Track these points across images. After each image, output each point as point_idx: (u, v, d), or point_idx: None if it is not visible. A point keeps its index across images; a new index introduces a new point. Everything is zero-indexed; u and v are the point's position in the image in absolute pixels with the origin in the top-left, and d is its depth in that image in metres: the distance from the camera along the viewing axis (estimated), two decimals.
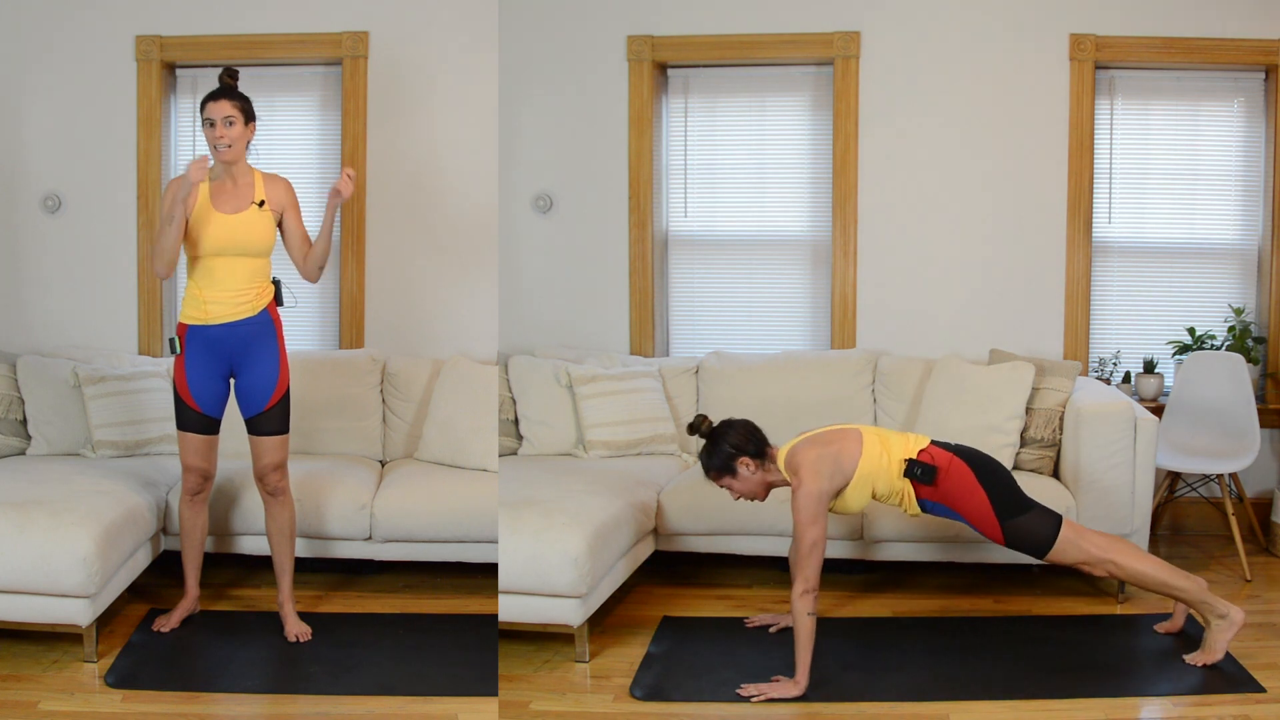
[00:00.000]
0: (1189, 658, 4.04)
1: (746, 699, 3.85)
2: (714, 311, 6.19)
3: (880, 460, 4.06)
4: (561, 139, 6.09)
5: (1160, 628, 4.37)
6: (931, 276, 5.89)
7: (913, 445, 4.10)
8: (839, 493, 4.06)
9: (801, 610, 3.85)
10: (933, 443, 4.13)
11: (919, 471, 4.02)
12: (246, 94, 4.27)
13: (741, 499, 4.23)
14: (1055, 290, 5.83)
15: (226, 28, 5.72)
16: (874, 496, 4.14)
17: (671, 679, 4.06)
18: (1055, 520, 4.03)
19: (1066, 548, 4.01)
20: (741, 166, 6.12)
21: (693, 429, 4.20)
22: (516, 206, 6.09)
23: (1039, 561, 4.16)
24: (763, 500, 4.28)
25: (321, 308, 5.88)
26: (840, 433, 4.15)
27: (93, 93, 5.74)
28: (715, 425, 4.19)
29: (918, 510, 4.12)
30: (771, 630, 4.47)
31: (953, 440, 4.28)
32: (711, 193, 6.15)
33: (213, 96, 4.20)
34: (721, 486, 4.21)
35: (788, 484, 4.12)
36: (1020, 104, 5.80)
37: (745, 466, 4.11)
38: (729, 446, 4.12)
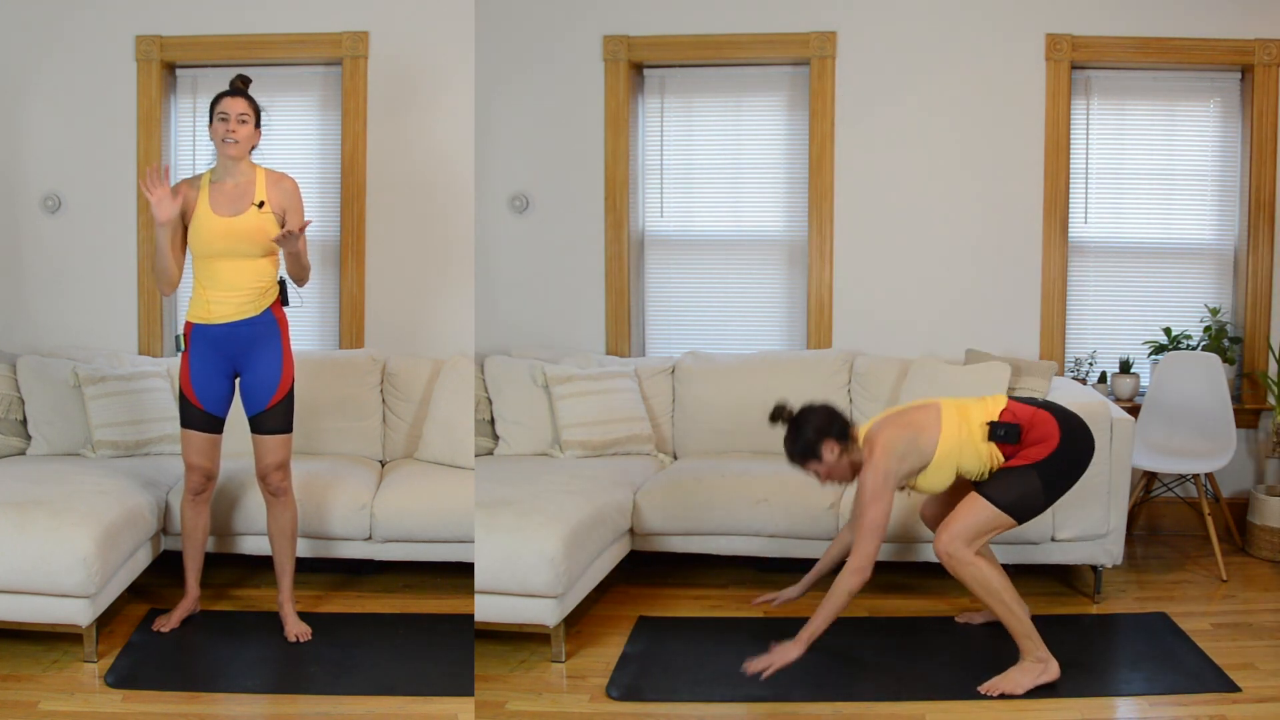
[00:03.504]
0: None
1: (755, 677, 3.79)
2: (690, 311, 6.17)
3: (960, 433, 3.96)
4: (537, 139, 6.06)
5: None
6: (908, 276, 5.88)
7: (992, 408, 4.01)
8: (917, 473, 3.99)
9: (843, 588, 3.81)
10: (1011, 399, 4.06)
11: (1002, 433, 3.93)
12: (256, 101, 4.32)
13: (829, 484, 4.11)
14: (1031, 290, 5.83)
15: (226, 28, 5.70)
16: (961, 473, 4.02)
17: (647, 679, 4.04)
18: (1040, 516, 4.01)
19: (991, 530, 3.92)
20: (717, 166, 6.11)
21: (775, 417, 4.04)
22: (489, 206, 6.06)
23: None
24: (849, 483, 4.13)
25: (321, 308, 5.86)
26: (920, 410, 4.07)
27: (93, 93, 5.71)
28: (797, 411, 4.05)
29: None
30: (774, 604, 4.44)
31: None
32: (687, 193, 6.14)
33: (229, 94, 4.25)
34: (808, 472, 4.06)
35: None
36: (996, 104, 5.80)
37: (830, 450, 3.98)
38: (812, 431, 3.98)
